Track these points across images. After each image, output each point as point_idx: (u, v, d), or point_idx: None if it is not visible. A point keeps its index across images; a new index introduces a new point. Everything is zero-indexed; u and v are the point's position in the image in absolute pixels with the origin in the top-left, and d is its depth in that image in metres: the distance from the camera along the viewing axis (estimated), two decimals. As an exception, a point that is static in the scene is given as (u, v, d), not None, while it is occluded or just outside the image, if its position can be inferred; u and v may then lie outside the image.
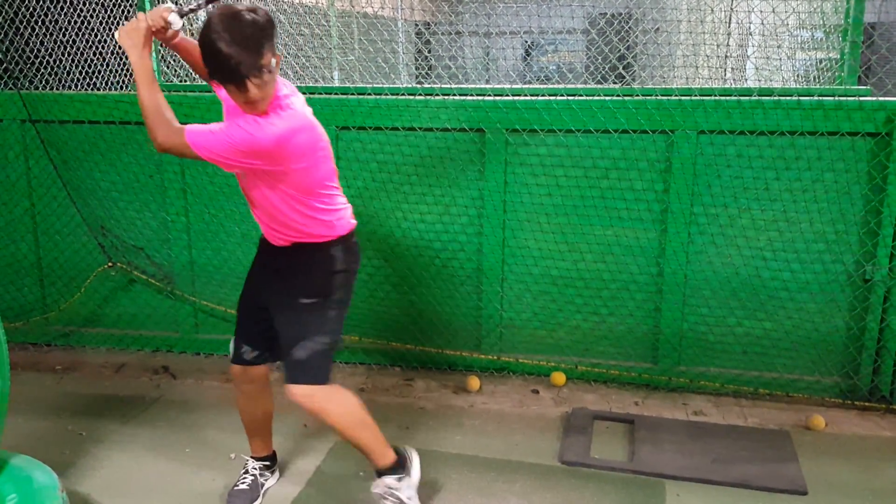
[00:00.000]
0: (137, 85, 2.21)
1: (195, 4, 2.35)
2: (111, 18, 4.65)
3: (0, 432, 2.25)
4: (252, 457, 2.74)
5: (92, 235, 3.86)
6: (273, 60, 2.09)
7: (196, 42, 2.44)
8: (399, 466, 2.45)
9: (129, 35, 2.21)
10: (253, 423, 2.68)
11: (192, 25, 3.95)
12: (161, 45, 2.80)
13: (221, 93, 2.33)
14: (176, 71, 4.43)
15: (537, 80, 3.88)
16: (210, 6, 2.33)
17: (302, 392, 2.36)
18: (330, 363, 2.41)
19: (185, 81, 4.20)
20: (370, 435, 2.43)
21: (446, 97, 3.40)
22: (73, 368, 3.83)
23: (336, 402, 2.40)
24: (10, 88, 3.84)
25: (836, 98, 3.10)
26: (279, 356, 2.48)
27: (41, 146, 3.77)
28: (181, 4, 2.39)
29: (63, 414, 3.33)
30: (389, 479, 2.43)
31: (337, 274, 2.40)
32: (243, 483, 2.69)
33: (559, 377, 3.55)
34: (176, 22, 2.27)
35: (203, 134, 2.15)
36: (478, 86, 3.64)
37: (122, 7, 4.75)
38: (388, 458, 2.45)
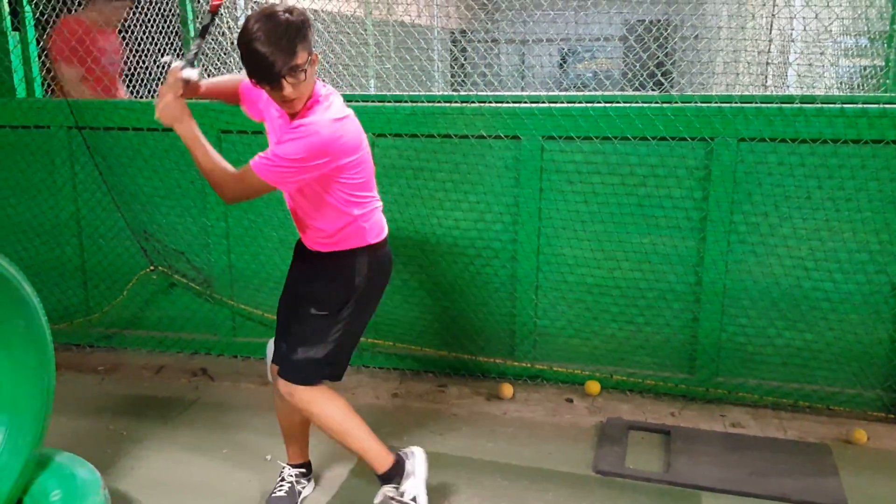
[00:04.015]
0: (191, 152, 2.26)
1: (195, 46, 2.38)
2: (154, 28, 4.76)
3: (45, 430, 2.31)
4: (288, 464, 2.76)
5: (135, 239, 3.94)
6: (308, 59, 2.12)
7: (218, 79, 2.50)
8: (395, 474, 2.45)
9: (165, 112, 2.28)
10: (290, 427, 2.70)
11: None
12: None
13: (269, 111, 2.36)
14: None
15: (574, 87, 3.86)
16: (202, 40, 2.38)
17: (283, 385, 2.45)
18: (322, 371, 2.44)
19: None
20: (359, 440, 2.45)
21: (482, 104, 3.41)
22: (115, 369, 3.92)
23: (319, 404, 2.43)
24: (58, 96, 3.95)
25: (881, 106, 3.03)
26: None
27: (87, 152, 3.87)
28: (183, 56, 2.39)
29: (104, 413, 3.40)
30: (387, 489, 2.44)
31: (354, 288, 2.41)
32: (280, 490, 2.69)
33: (594, 386, 3.52)
34: (192, 74, 2.29)
35: (264, 164, 2.18)
36: (514, 93, 3.64)
37: (164, 14, 4.86)
38: (385, 463, 2.45)
